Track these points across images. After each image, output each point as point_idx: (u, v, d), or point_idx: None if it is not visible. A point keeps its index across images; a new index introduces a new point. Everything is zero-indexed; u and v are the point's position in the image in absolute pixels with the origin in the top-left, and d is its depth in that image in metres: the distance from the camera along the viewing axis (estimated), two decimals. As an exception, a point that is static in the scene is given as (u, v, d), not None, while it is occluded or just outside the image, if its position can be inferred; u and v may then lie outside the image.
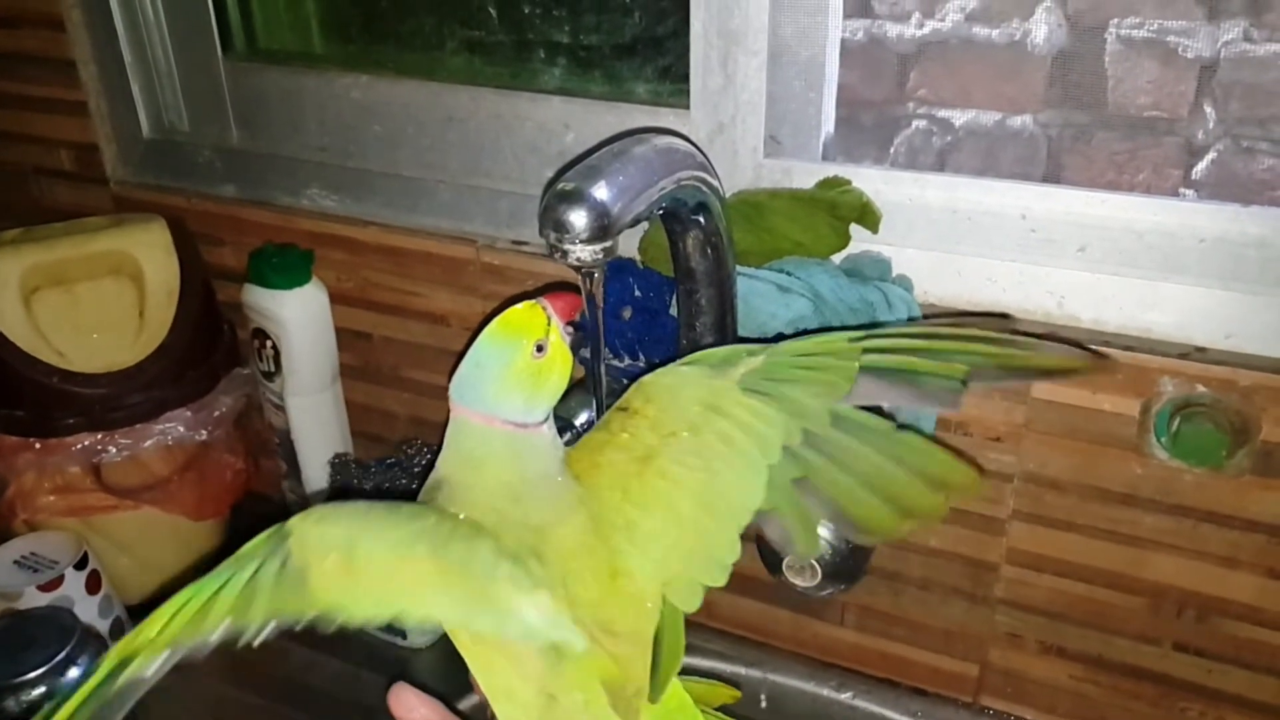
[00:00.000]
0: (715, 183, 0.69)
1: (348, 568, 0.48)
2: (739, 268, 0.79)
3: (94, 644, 0.84)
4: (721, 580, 0.54)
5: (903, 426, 0.56)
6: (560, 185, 0.58)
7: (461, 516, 0.53)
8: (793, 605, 0.98)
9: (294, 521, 0.51)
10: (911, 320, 0.80)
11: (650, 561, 0.55)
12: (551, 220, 0.57)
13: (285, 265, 1.00)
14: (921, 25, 0.83)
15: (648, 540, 0.55)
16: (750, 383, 0.56)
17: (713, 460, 0.55)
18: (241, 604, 0.48)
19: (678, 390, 0.57)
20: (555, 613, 0.51)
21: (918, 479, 0.55)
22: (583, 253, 0.57)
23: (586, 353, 0.70)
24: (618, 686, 0.52)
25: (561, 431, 0.82)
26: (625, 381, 0.89)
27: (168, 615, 0.49)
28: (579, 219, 0.57)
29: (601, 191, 0.57)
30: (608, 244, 0.58)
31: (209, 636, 0.48)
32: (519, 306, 0.56)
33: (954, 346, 0.57)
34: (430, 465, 0.93)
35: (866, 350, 0.56)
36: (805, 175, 0.85)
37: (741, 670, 0.99)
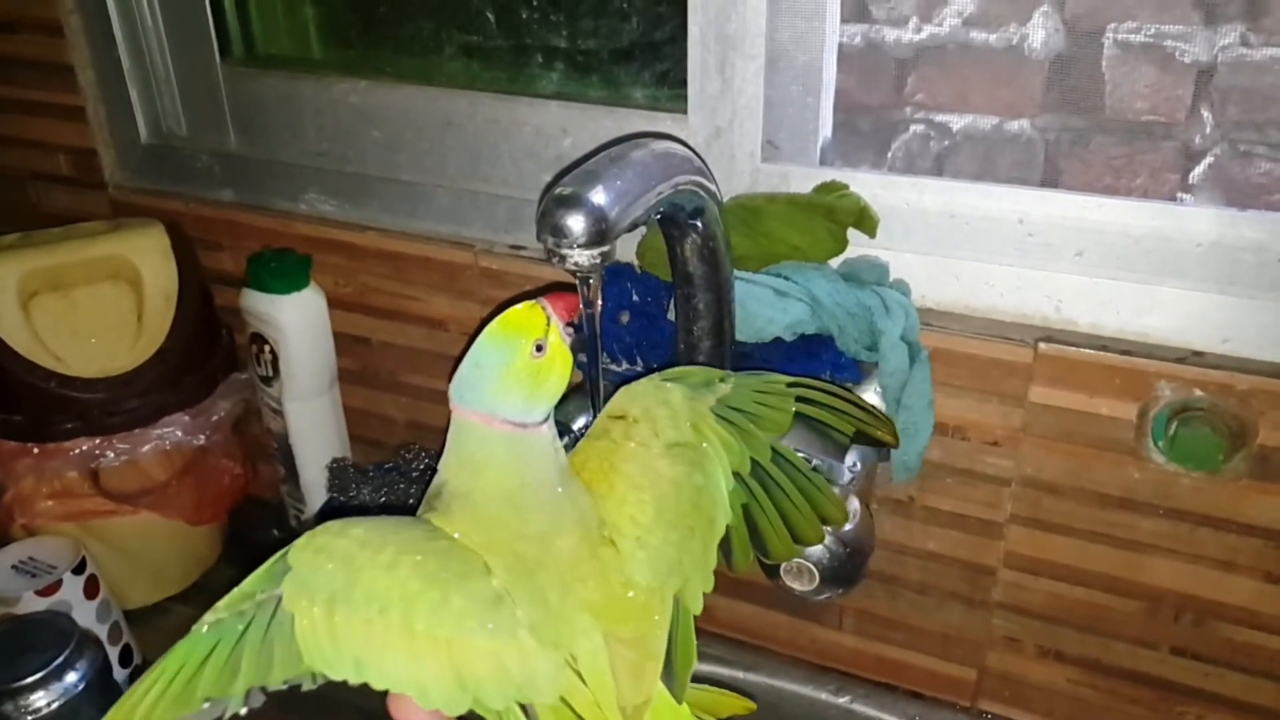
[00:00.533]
0: (712, 187, 0.69)
1: (328, 622, 0.50)
2: (737, 272, 0.79)
3: (92, 648, 0.84)
4: (711, 585, 0.57)
5: (814, 467, 0.64)
6: (558, 190, 0.58)
7: (456, 535, 0.54)
8: (790, 609, 0.99)
9: (294, 551, 0.52)
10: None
11: (661, 568, 0.56)
12: (549, 225, 0.57)
13: (283, 270, 1.00)
14: (919, 30, 0.83)
15: (660, 547, 0.56)
16: (719, 409, 0.61)
17: (704, 474, 0.59)
18: (228, 673, 0.50)
19: (672, 405, 0.60)
20: (537, 654, 0.51)
21: (811, 511, 0.62)
22: (580, 257, 0.58)
23: (584, 357, 0.70)
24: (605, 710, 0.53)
25: (560, 436, 0.82)
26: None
27: (158, 685, 0.49)
28: (576, 224, 0.57)
29: (599, 196, 0.57)
30: (605, 249, 0.58)
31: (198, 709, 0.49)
32: (518, 306, 0.56)
33: (847, 409, 0.65)
34: (428, 470, 0.93)
35: (798, 398, 0.63)
36: (803, 180, 0.85)
37: (739, 674, 0.99)
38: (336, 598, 0.50)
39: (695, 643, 0.57)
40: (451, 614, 0.51)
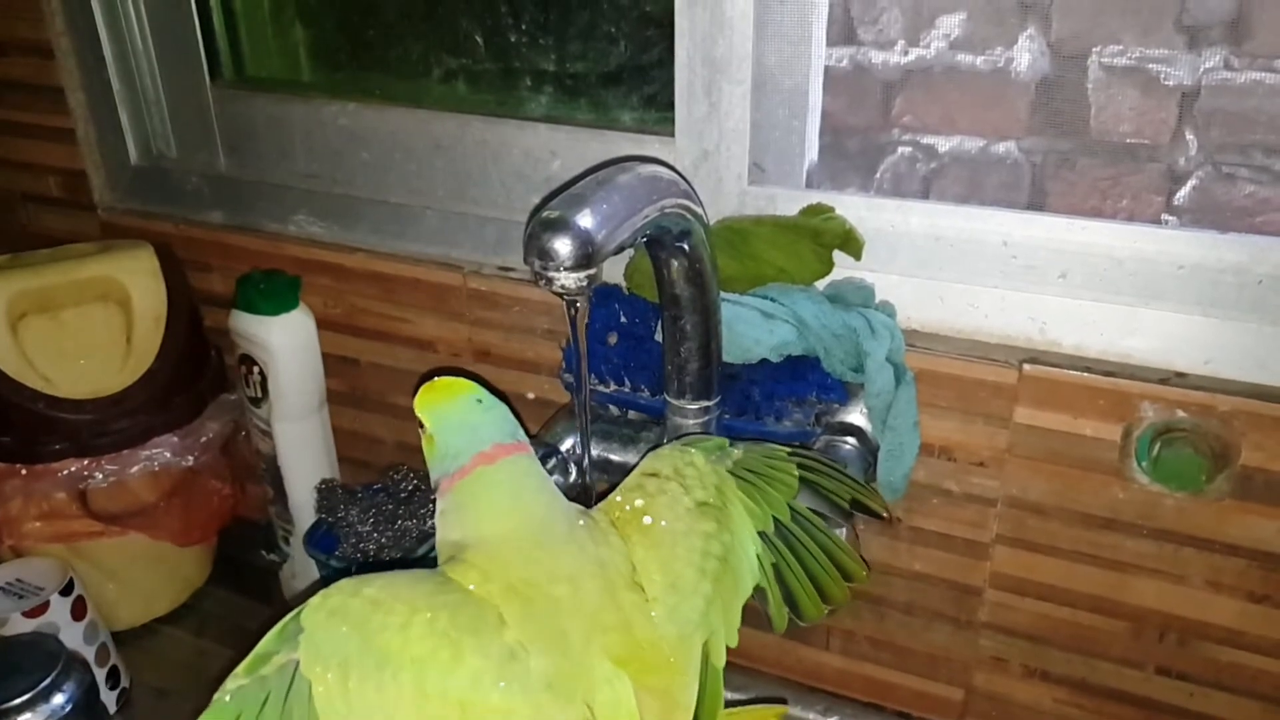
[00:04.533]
0: (699, 210, 0.69)
1: (342, 687, 0.51)
2: (723, 294, 0.79)
3: (79, 670, 0.84)
4: (736, 640, 0.61)
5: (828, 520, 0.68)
6: (545, 213, 0.58)
7: (471, 587, 0.55)
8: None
9: (308, 613, 0.53)
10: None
11: (691, 617, 0.58)
12: (536, 248, 0.58)
13: (272, 291, 1.00)
14: (906, 52, 0.83)
15: (690, 596, 0.59)
16: (737, 470, 0.66)
17: (731, 532, 0.62)
18: None
19: (698, 467, 0.64)
20: (554, 708, 0.52)
21: (834, 568, 0.67)
22: (567, 280, 0.58)
23: (573, 378, 0.70)
24: None
25: (547, 457, 0.82)
26: (610, 408, 0.90)
27: None
28: (563, 247, 0.57)
29: (586, 220, 0.58)
30: (592, 271, 0.58)
31: None
32: (427, 387, 0.61)
33: (841, 477, 0.71)
34: (416, 491, 0.94)
35: (799, 464, 0.68)
36: (789, 202, 0.86)
37: (728, 695, 0.98)
38: (350, 663, 0.51)
39: (722, 695, 0.59)
40: (464, 674, 0.52)
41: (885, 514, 0.72)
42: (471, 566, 0.56)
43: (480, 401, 0.60)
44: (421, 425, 0.60)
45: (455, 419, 0.60)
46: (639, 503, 0.62)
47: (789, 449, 0.69)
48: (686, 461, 0.65)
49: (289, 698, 0.51)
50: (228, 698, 0.51)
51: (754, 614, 0.96)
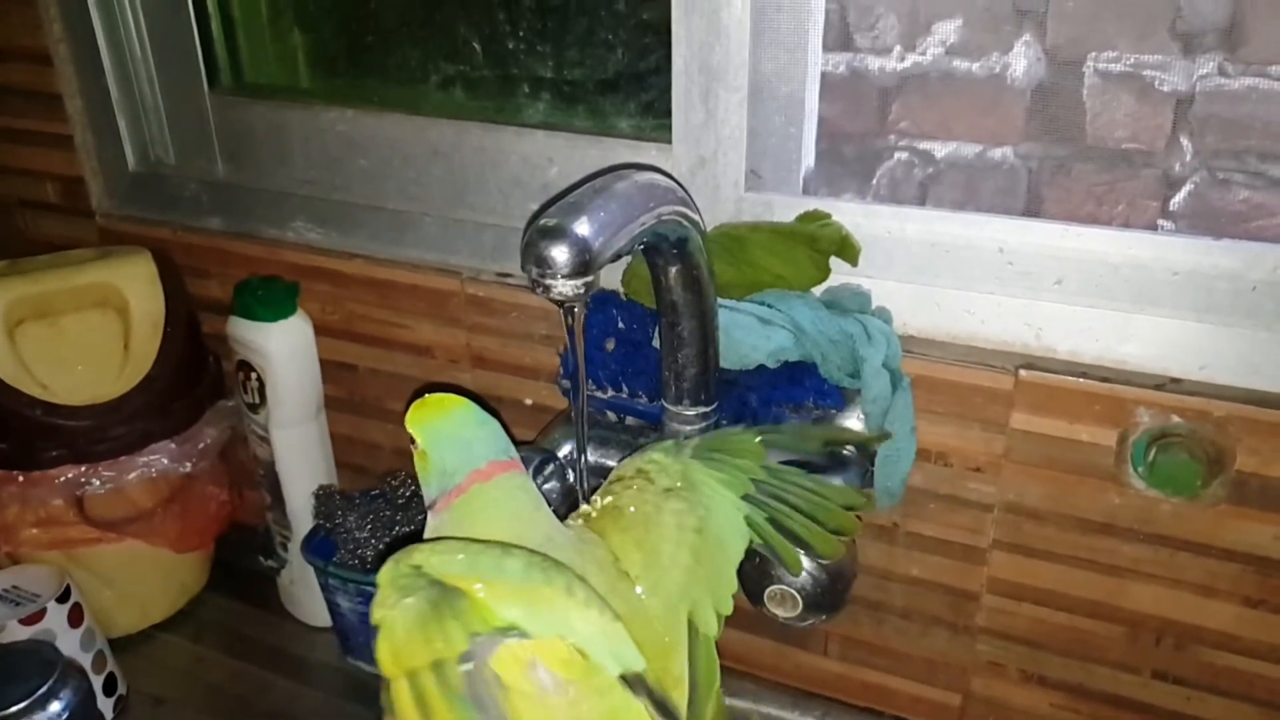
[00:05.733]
0: (696, 217, 0.69)
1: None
2: (720, 300, 0.79)
3: (76, 677, 0.84)
4: (729, 608, 0.63)
5: (814, 470, 0.72)
6: (542, 221, 0.59)
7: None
8: (775, 635, 0.99)
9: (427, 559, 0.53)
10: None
11: (671, 591, 0.61)
12: (533, 256, 0.58)
13: (270, 298, 1.00)
14: (902, 58, 0.84)
15: (667, 570, 0.61)
16: (699, 455, 0.68)
17: (705, 507, 0.65)
18: None
19: (659, 461, 0.67)
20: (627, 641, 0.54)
21: (835, 505, 0.69)
22: (564, 288, 0.58)
23: (570, 384, 0.70)
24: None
25: (546, 463, 0.83)
26: (608, 414, 0.90)
27: None
28: (560, 254, 0.57)
29: (583, 227, 0.58)
30: (589, 279, 0.58)
31: None
32: (420, 403, 0.62)
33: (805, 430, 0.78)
34: (414, 497, 0.94)
35: (758, 433, 0.71)
36: (786, 209, 0.86)
37: (725, 700, 0.99)
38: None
39: (717, 663, 0.62)
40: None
41: (876, 437, 0.77)
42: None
43: (473, 418, 0.61)
44: (413, 441, 0.60)
45: (448, 435, 0.60)
46: (608, 500, 0.64)
47: (742, 427, 0.73)
48: (647, 460, 0.67)
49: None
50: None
51: (749, 618, 0.96)
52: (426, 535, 0.60)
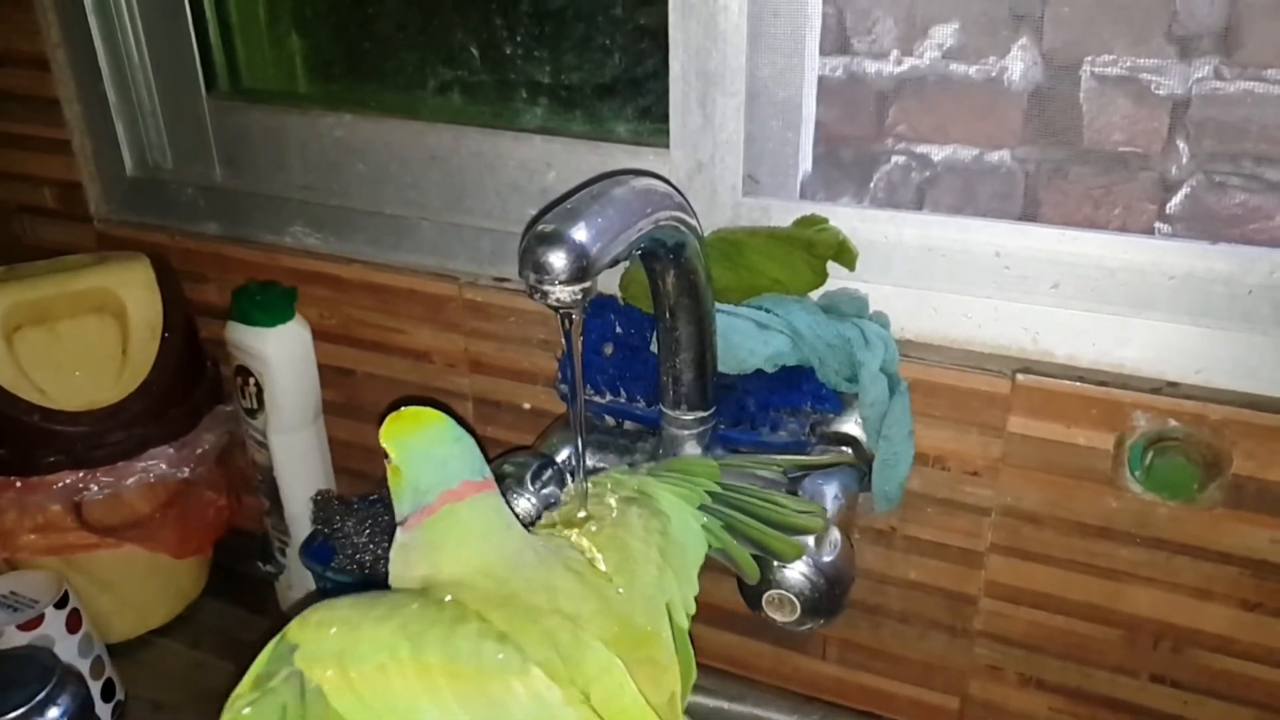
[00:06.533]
0: (693, 222, 0.69)
1: (345, 679, 0.51)
2: (718, 305, 0.79)
3: (74, 683, 0.84)
4: (693, 608, 0.63)
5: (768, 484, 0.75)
6: (539, 227, 0.59)
7: (448, 599, 0.55)
8: (774, 639, 0.99)
9: (293, 630, 0.54)
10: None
11: (648, 582, 0.61)
12: (531, 262, 0.58)
13: (268, 303, 1.00)
14: (900, 62, 0.84)
15: (642, 564, 0.62)
16: (653, 474, 0.70)
17: (664, 513, 0.66)
18: None
19: (614, 477, 0.68)
20: (548, 686, 0.53)
21: (791, 510, 0.70)
22: (562, 293, 0.58)
23: (568, 389, 0.71)
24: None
25: (545, 468, 0.83)
26: (606, 418, 0.90)
27: None
28: (558, 260, 0.57)
29: (580, 233, 0.58)
30: (586, 285, 0.58)
31: None
32: (396, 416, 0.62)
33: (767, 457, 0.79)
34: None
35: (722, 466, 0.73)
36: (783, 213, 0.86)
37: (724, 704, 0.99)
38: (346, 654, 0.52)
39: (691, 653, 0.61)
40: (461, 645, 0.53)
41: (834, 462, 0.80)
42: (444, 590, 0.56)
43: (449, 434, 0.61)
44: (387, 455, 0.60)
45: (423, 452, 0.60)
46: (569, 507, 0.66)
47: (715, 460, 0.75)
48: (602, 479, 0.68)
49: (306, 702, 0.51)
50: (247, 710, 0.51)
51: (747, 622, 0.96)
52: (394, 551, 0.60)
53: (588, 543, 0.62)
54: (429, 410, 0.61)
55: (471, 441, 0.61)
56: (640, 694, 0.55)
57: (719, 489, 0.69)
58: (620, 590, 0.60)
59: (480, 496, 0.60)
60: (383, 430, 0.60)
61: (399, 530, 0.60)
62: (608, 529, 0.63)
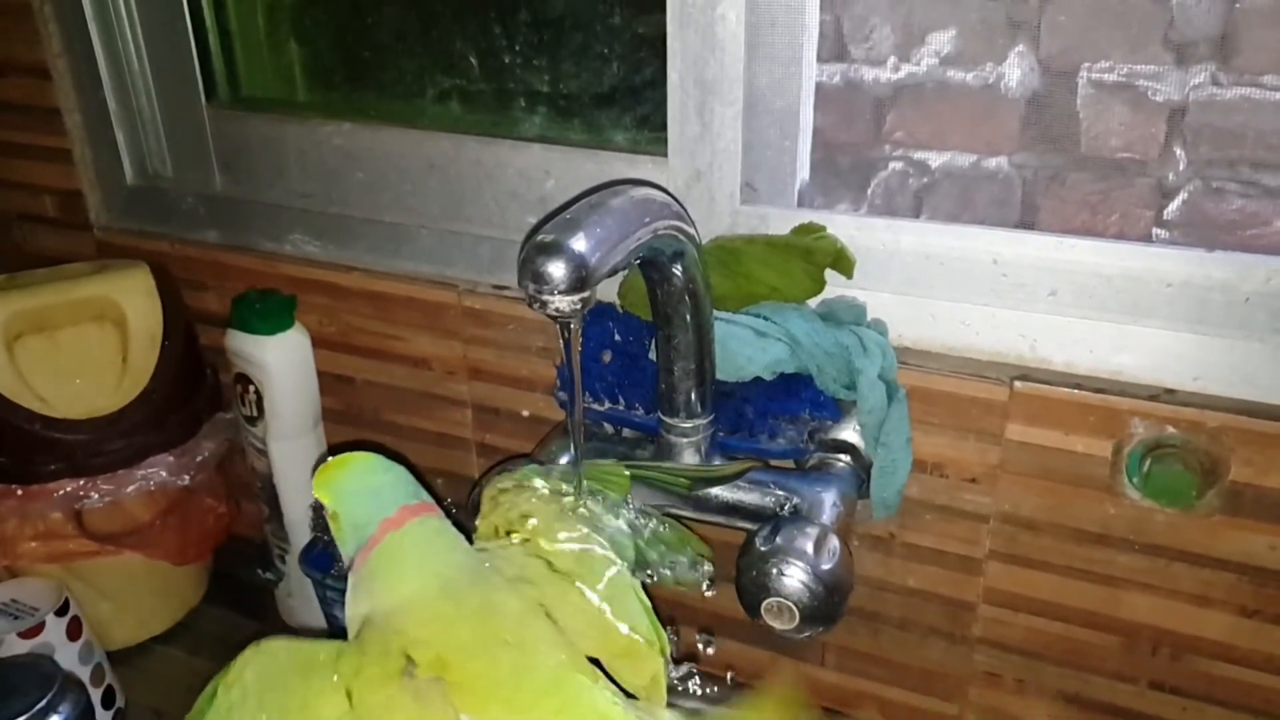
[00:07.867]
0: (691, 231, 0.70)
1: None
2: (716, 312, 0.80)
3: (75, 691, 0.84)
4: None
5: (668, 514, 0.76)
6: (539, 237, 0.59)
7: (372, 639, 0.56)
8: (773, 646, 0.99)
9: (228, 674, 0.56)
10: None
11: (604, 562, 0.63)
12: (530, 272, 0.58)
13: (268, 310, 1.00)
14: (897, 69, 0.84)
15: (596, 559, 0.63)
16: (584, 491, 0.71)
17: (599, 529, 0.67)
18: None
19: (545, 498, 0.69)
20: None
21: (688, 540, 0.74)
22: (561, 303, 0.58)
23: (567, 396, 0.71)
24: None
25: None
26: (605, 426, 0.90)
27: None
28: (557, 270, 0.58)
29: (579, 243, 0.58)
30: (585, 294, 0.59)
31: None
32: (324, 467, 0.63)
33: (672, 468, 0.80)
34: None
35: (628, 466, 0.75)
36: (781, 221, 0.86)
37: (723, 710, 0.99)
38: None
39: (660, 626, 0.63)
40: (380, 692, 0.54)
41: (741, 470, 0.81)
42: (381, 623, 0.57)
43: (376, 467, 0.62)
44: (323, 507, 0.60)
45: (353, 489, 0.60)
46: (503, 508, 0.67)
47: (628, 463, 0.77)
48: (520, 475, 0.70)
49: None
50: None
51: (746, 629, 0.97)
52: (348, 596, 0.60)
53: (545, 544, 0.62)
54: (355, 453, 0.62)
55: (403, 470, 0.62)
56: (600, 701, 0.55)
57: (636, 513, 0.72)
58: (580, 586, 0.61)
59: (419, 520, 0.60)
60: (314, 484, 0.61)
61: (350, 575, 0.60)
62: (551, 529, 0.64)
